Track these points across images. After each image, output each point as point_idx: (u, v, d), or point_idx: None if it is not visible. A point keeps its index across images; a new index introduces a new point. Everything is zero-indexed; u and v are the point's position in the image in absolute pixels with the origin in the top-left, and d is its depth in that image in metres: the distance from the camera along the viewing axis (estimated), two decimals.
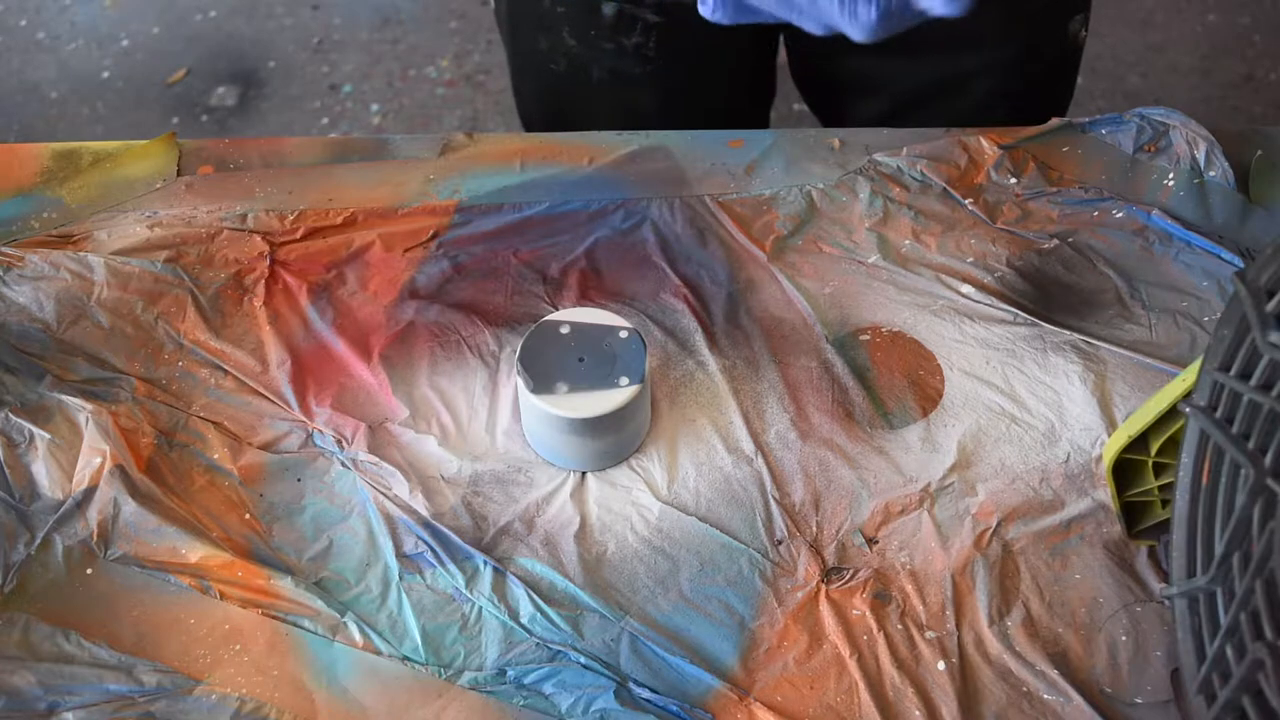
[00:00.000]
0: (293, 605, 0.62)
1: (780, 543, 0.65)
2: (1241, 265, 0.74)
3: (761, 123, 1.04)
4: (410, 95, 1.97)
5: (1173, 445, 0.57)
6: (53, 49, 2.03)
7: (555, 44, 0.92)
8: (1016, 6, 0.88)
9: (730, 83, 0.97)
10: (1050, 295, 0.74)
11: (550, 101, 0.98)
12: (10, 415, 0.67)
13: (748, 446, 0.68)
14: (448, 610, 0.63)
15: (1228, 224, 0.77)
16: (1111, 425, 0.68)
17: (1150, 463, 0.59)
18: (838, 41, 0.91)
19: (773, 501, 0.66)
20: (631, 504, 0.66)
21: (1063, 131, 0.81)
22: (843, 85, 0.96)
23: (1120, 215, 0.77)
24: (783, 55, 1.00)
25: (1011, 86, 0.92)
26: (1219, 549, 0.50)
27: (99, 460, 0.65)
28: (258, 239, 0.76)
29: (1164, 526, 0.61)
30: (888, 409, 0.70)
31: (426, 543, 0.64)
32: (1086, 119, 0.81)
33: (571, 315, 0.67)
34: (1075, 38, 0.93)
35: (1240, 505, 0.48)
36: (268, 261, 0.75)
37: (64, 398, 0.67)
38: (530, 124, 1.03)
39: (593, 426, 0.64)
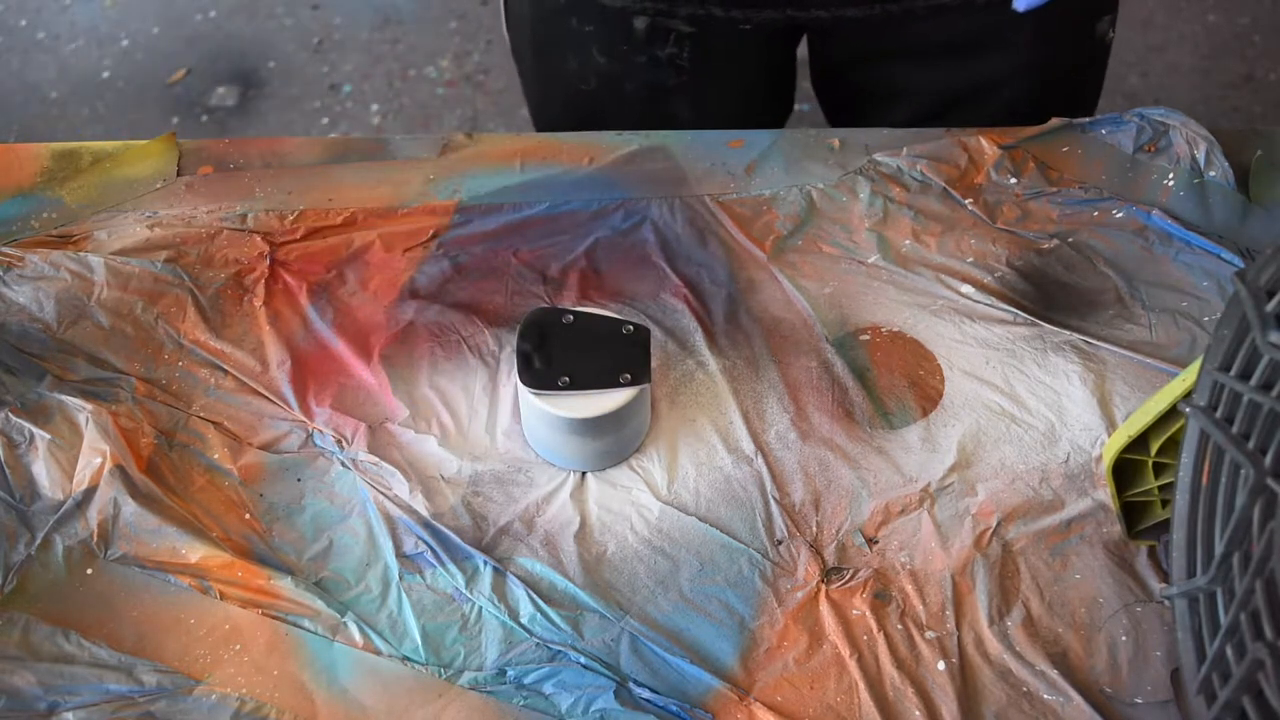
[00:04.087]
0: (293, 605, 0.62)
1: (780, 543, 0.65)
2: (1241, 265, 0.74)
3: (778, 126, 1.03)
4: (410, 95, 1.97)
5: (1173, 445, 0.57)
6: (53, 49, 2.03)
7: (585, 64, 0.91)
8: (1046, 9, 0.87)
9: (761, 85, 0.97)
10: (1050, 295, 0.74)
11: (579, 119, 0.96)
12: (10, 415, 0.67)
13: (748, 446, 0.68)
14: (448, 610, 0.63)
15: (1228, 224, 0.77)
16: (1111, 425, 0.68)
17: (1150, 463, 0.59)
18: (868, 48, 0.90)
19: (773, 501, 0.66)
20: (631, 504, 0.66)
21: (1063, 131, 0.81)
22: (868, 93, 0.95)
23: (1120, 215, 0.77)
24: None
25: (1040, 90, 0.91)
26: (1219, 549, 0.50)
27: (99, 460, 0.65)
28: (258, 239, 0.76)
29: (1164, 526, 0.61)
30: (888, 409, 0.70)
31: (426, 543, 0.64)
32: (1086, 119, 0.81)
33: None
34: (1103, 38, 0.92)
35: (1240, 505, 0.48)
36: (268, 261, 0.75)
37: (64, 398, 0.67)
38: None
39: (593, 426, 0.64)
